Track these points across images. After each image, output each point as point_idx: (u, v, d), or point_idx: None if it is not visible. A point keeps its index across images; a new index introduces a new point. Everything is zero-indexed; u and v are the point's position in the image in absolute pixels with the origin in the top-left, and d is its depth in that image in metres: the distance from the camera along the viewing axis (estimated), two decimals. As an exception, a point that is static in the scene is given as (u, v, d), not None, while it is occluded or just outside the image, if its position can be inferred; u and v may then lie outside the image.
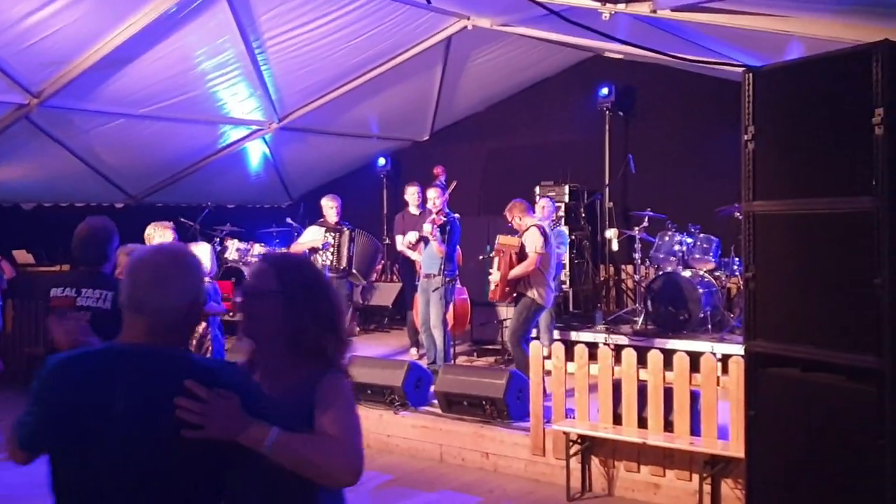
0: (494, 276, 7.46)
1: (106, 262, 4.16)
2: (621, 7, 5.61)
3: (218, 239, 11.23)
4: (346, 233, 8.77)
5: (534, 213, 7.77)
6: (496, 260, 7.47)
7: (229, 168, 11.69)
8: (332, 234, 8.71)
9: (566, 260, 10.01)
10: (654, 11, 5.51)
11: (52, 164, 9.77)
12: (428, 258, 8.17)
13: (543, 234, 7.38)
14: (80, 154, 9.74)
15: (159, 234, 6.09)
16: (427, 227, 8.09)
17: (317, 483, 2.14)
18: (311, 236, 8.87)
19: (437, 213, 8.00)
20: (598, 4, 5.66)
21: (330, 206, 8.91)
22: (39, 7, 6.58)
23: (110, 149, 9.90)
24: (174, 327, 2.10)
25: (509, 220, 7.62)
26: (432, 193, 8.12)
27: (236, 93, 9.36)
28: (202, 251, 6.13)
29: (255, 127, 10.62)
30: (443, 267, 7.90)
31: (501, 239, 7.53)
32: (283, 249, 10.83)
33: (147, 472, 1.99)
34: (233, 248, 10.91)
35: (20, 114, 8.21)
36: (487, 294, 7.71)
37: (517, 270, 7.28)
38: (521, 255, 7.36)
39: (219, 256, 11.05)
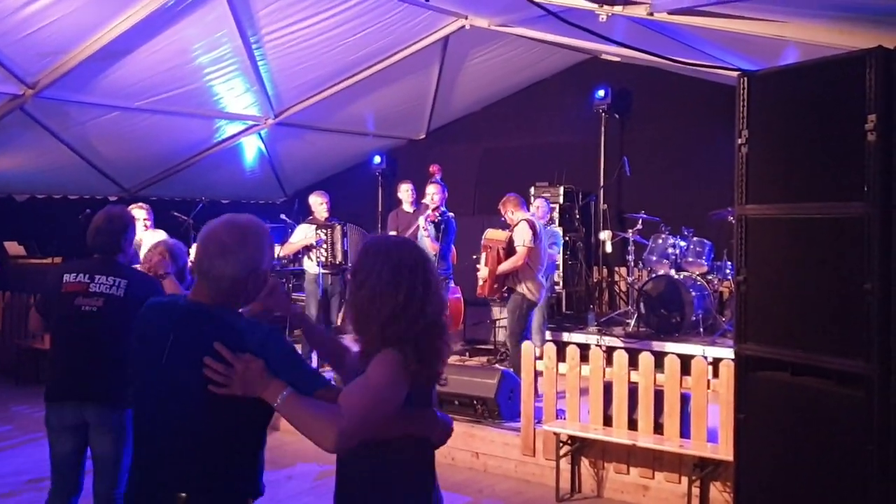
0: (483, 271, 7.48)
1: (120, 252, 4.15)
2: (618, 9, 5.63)
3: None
4: (338, 228, 8.77)
5: (527, 208, 7.78)
6: (484, 255, 7.48)
7: (224, 163, 11.68)
8: (324, 231, 8.70)
9: (560, 261, 10.03)
10: (651, 14, 5.53)
11: (47, 156, 9.75)
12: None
13: (532, 227, 7.38)
14: (75, 146, 9.72)
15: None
16: (421, 222, 8.11)
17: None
18: (303, 234, 8.86)
19: (433, 210, 8.01)
20: (595, 6, 5.68)
21: (319, 203, 8.89)
22: (36, -2, 6.57)
23: (105, 141, 9.88)
24: (232, 292, 2.35)
25: (503, 213, 7.64)
26: (431, 189, 8.12)
27: (233, 87, 9.35)
28: (158, 236, 6.10)
29: (251, 122, 10.61)
30: (436, 265, 7.89)
31: (489, 233, 7.56)
32: (277, 246, 10.85)
33: (184, 421, 2.25)
34: (226, 243, 10.90)
35: (15, 104, 8.18)
36: (477, 290, 7.69)
37: (506, 265, 7.30)
38: (510, 251, 7.38)
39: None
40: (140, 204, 6.31)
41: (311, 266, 8.92)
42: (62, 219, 10.72)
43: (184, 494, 2.23)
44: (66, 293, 4.00)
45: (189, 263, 4.11)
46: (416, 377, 2.32)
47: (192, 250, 2.87)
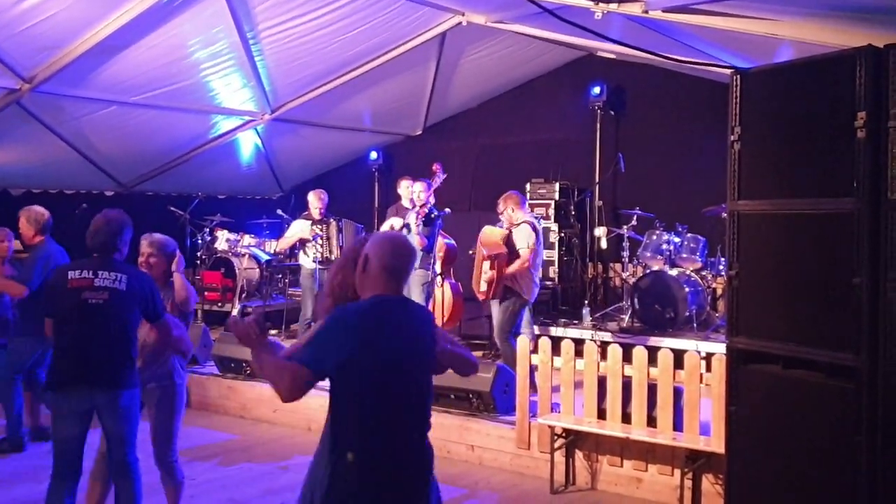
0: (487, 274, 7.45)
1: (116, 251, 4.52)
2: (613, 7, 5.67)
3: (208, 229, 11.25)
4: (333, 223, 8.88)
5: (526, 207, 7.81)
6: (486, 263, 7.44)
7: (221, 158, 11.69)
8: (320, 227, 8.81)
9: (555, 257, 10.09)
10: (646, 12, 5.57)
11: (43, 151, 9.75)
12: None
13: (535, 230, 7.45)
14: (71, 141, 9.72)
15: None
16: (412, 217, 8.17)
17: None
18: (298, 229, 8.95)
19: (420, 207, 8.07)
20: (590, 3, 5.71)
21: (316, 200, 9.06)
22: (33, -8, 6.58)
23: (101, 136, 9.88)
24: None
25: (501, 209, 7.67)
26: (418, 187, 8.19)
27: (229, 83, 9.36)
28: None
29: (247, 118, 10.62)
30: (431, 262, 7.96)
31: (487, 235, 7.53)
32: (274, 241, 10.89)
33: (427, 369, 3.12)
34: (222, 238, 10.95)
35: (11, 99, 8.19)
36: (474, 287, 7.69)
37: (513, 268, 7.33)
38: (511, 251, 7.40)
39: (208, 247, 11.10)
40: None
41: (307, 261, 9.01)
42: (58, 213, 10.63)
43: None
44: (72, 288, 4.35)
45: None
46: None
47: None
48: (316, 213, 9.04)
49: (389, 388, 2.91)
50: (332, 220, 8.95)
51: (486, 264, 7.46)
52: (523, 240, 7.36)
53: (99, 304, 4.32)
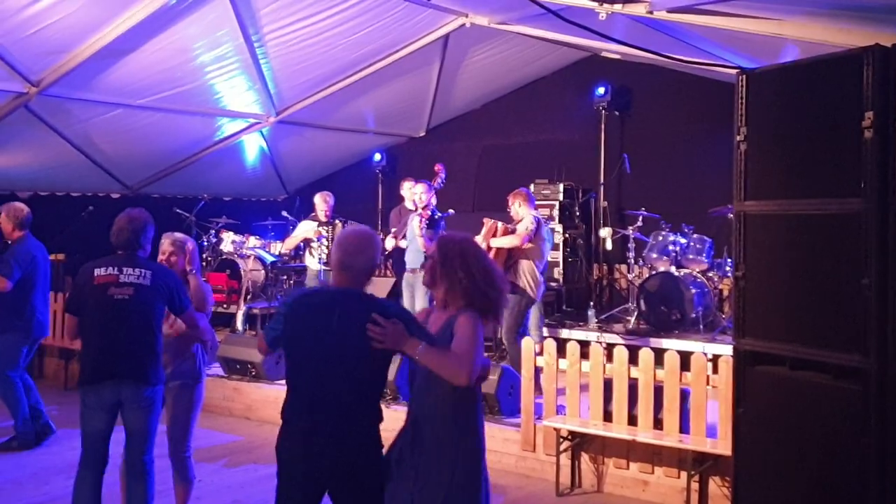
0: (477, 240, 7.53)
1: (140, 248, 4.68)
2: (618, 7, 5.66)
3: (213, 231, 11.27)
4: (339, 225, 8.90)
5: (533, 205, 7.81)
6: (483, 230, 7.54)
7: (226, 160, 11.72)
8: (325, 228, 8.84)
9: (560, 258, 10.08)
10: (651, 12, 5.56)
11: (50, 153, 9.79)
12: (412, 253, 8.22)
13: (538, 223, 7.45)
14: (78, 144, 9.76)
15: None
16: (416, 221, 8.18)
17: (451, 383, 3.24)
18: (304, 230, 9.00)
19: (423, 209, 8.06)
20: (594, 4, 5.71)
21: (322, 202, 9.09)
22: (40, -3, 6.61)
23: (108, 139, 9.92)
24: (362, 280, 3.45)
25: (510, 204, 7.68)
26: (419, 188, 8.18)
27: (234, 86, 9.39)
28: None
29: (252, 120, 10.64)
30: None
31: (488, 221, 7.65)
32: (279, 243, 10.89)
33: (350, 368, 3.27)
34: (228, 240, 10.96)
35: (19, 102, 8.22)
36: None
37: (503, 241, 7.36)
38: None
39: (213, 248, 11.12)
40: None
41: (312, 262, 9.03)
42: (65, 216, 10.73)
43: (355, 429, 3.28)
44: (98, 285, 4.50)
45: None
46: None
47: None
48: (322, 215, 9.08)
49: (302, 372, 3.36)
50: (337, 221, 8.99)
51: (485, 228, 7.56)
52: (522, 226, 7.39)
53: (124, 300, 4.46)
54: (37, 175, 10.44)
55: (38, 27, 7.02)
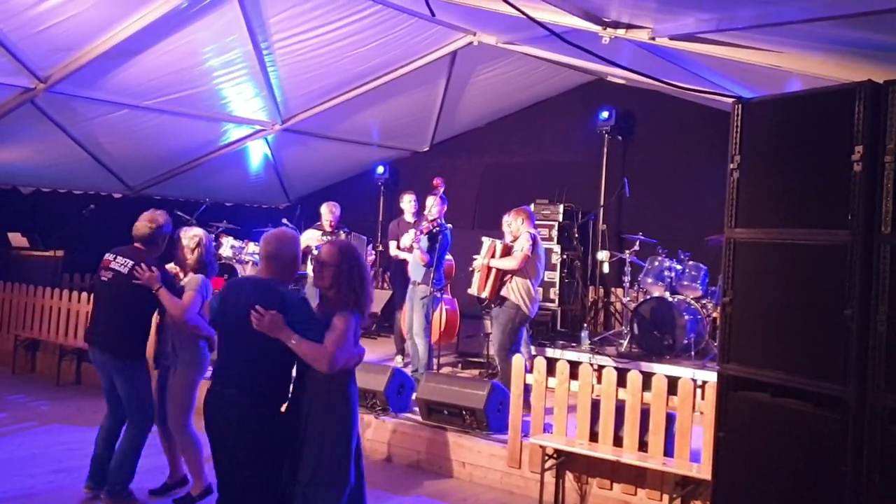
0: (478, 262, 7.58)
1: (152, 243, 5.42)
2: (621, 32, 5.73)
3: (213, 235, 11.31)
4: (342, 235, 8.98)
5: (534, 226, 7.87)
6: (483, 250, 7.60)
7: (229, 166, 11.78)
8: (328, 237, 8.90)
9: (556, 279, 10.11)
10: (653, 39, 5.63)
11: (54, 150, 9.85)
12: (414, 266, 8.28)
13: (534, 240, 7.50)
14: (82, 142, 9.82)
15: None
16: (411, 234, 8.24)
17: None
18: (308, 238, 9.05)
19: (429, 221, 8.10)
20: (598, 28, 5.78)
21: (328, 212, 9.18)
22: (54, -7, 6.69)
23: (112, 139, 9.98)
24: (279, 271, 4.15)
25: (509, 220, 7.76)
26: (430, 201, 8.23)
27: (241, 92, 9.46)
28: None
29: (258, 127, 10.71)
30: (432, 276, 8.00)
31: (486, 239, 7.70)
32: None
33: (250, 336, 3.90)
34: (227, 245, 10.99)
35: (26, 97, 8.29)
36: (475, 288, 7.73)
37: (502, 262, 7.40)
38: (507, 254, 7.51)
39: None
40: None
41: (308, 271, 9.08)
42: (66, 213, 10.81)
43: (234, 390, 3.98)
44: (100, 266, 5.40)
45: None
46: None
47: None
48: (327, 225, 9.15)
49: (220, 343, 4.18)
50: (341, 231, 9.06)
51: (484, 247, 7.62)
52: (519, 245, 7.45)
53: (106, 282, 5.32)
54: (40, 171, 10.51)
55: (49, 24, 7.09)
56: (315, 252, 8.90)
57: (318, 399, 4.01)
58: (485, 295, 7.58)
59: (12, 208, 10.90)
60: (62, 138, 9.50)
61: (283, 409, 4.10)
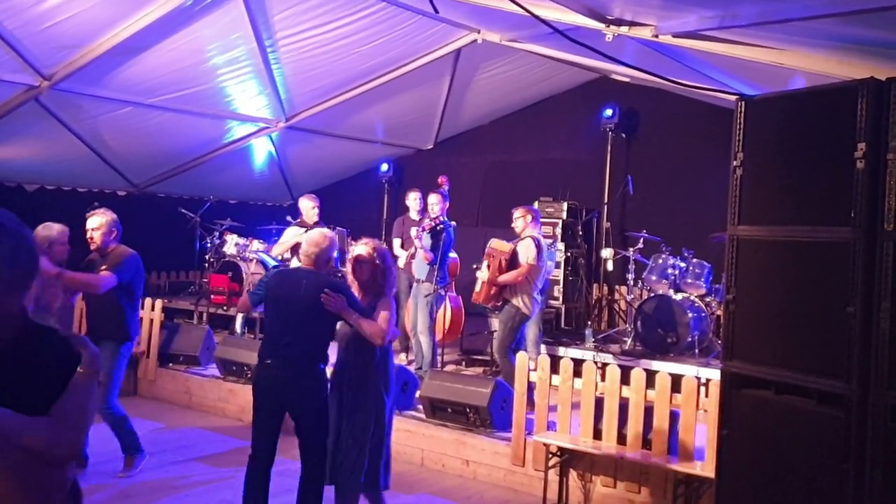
0: (483, 274, 7.57)
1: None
2: (624, 30, 5.73)
3: (217, 233, 11.33)
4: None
5: (538, 225, 7.85)
6: (486, 262, 7.58)
7: (234, 163, 11.80)
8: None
9: (560, 277, 10.11)
10: (656, 36, 5.63)
11: (58, 148, 9.87)
12: (418, 264, 8.28)
13: (538, 246, 7.49)
14: (87, 139, 9.84)
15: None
16: (412, 232, 8.24)
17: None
18: (292, 235, 9.02)
19: (431, 219, 8.10)
20: (602, 26, 5.78)
21: (311, 207, 9.11)
22: (58, -9, 6.70)
23: (116, 136, 10.00)
24: (320, 265, 4.90)
25: (514, 217, 7.73)
26: (433, 199, 8.23)
27: (245, 89, 9.47)
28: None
29: (262, 124, 10.72)
30: (436, 274, 8.00)
31: (494, 243, 7.65)
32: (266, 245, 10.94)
33: (306, 320, 4.75)
34: (231, 242, 11.01)
35: (30, 95, 8.31)
36: (474, 292, 7.75)
37: (506, 277, 7.40)
38: (512, 263, 7.47)
39: (216, 250, 11.18)
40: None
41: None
42: (70, 210, 10.78)
43: (296, 363, 4.76)
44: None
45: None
46: None
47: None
48: (313, 217, 9.07)
49: (273, 324, 4.89)
50: (324, 227, 9.03)
51: (485, 263, 7.55)
52: (524, 254, 7.42)
53: None
54: (44, 168, 10.53)
55: (53, 21, 7.10)
56: (304, 246, 8.92)
57: (357, 373, 4.86)
58: (486, 303, 7.65)
59: (17, 206, 10.76)
60: (66, 136, 9.52)
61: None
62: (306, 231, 8.95)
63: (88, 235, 6.13)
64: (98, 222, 6.15)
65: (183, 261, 12.24)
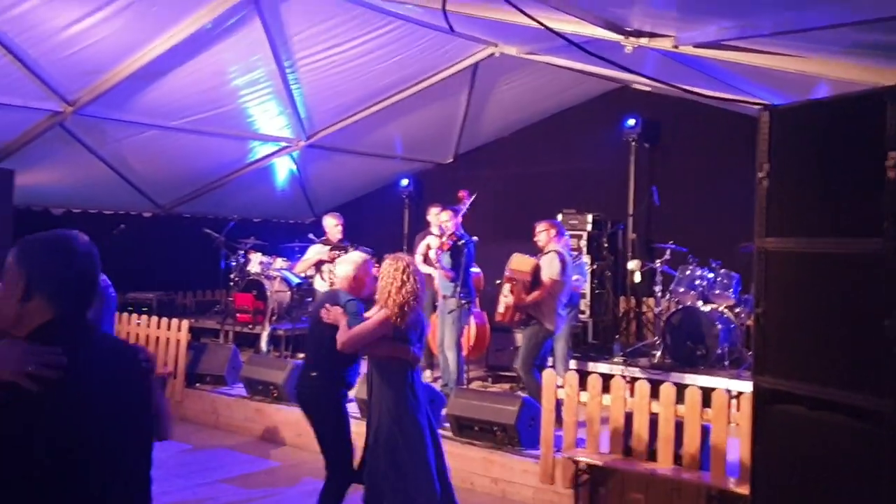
0: (508, 298, 7.46)
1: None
2: (644, 41, 5.67)
3: (241, 252, 11.36)
4: (351, 250, 8.93)
5: (561, 239, 7.75)
6: (507, 286, 7.47)
7: (256, 183, 11.86)
8: (337, 252, 8.87)
9: (587, 290, 10.00)
10: (676, 47, 5.56)
11: (84, 172, 9.97)
12: (442, 280, 8.24)
13: (562, 261, 7.41)
14: (111, 162, 9.93)
15: None
16: (433, 255, 8.20)
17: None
18: (315, 252, 9.03)
19: (447, 237, 8.04)
20: (620, 38, 5.72)
21: (334, 224, 9.15)
22: (79, 18, 6.77)
23: (141, 159, 10.09)
24: (350, 287, 5.12)
25: (537, 231, 7.66)
26: (445, 216, 8.18)
27: (266, 109, 9.52)
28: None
29: (283, 143, 10.78)
30: (458, 289, 7.94)
31: (515, 262, 7.51)
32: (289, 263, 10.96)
33: (320, 330, 5.10)
34: (255, 261, 11.05)
35: (55, 121, 8.40)
36: (497, 312, 7.66)
37: (531, 297, 7.30)
38: (535, 279, 7.37)
39: (241, 269, 11.22)
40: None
41: (321, 285, 9.10)
42: (96, 233, 10.79)
43: (314, 374, 5.14)
44: None
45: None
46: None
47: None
48: (336, 234, 9.10)
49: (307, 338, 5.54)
50: (349, 247, 9.01)
51: (507, 287, 7.45)
52: (548, 270, 7.34)
53: None
54: (71, 192, 10.63)
55: (76, 48, 7.18)
56: (328, 266, 8.94)
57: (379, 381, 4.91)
58: (510, 323, 7.59)
59: (45, 230, 10.99)
60: (91, 159, 9.61)
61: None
62: (330, 249, 9.01)
63: None
64: None
65: (208, 280, 12.29)
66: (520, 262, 7.51)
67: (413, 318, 4.85)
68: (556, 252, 7.45)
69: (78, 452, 1.94)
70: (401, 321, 4.78)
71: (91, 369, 2.02)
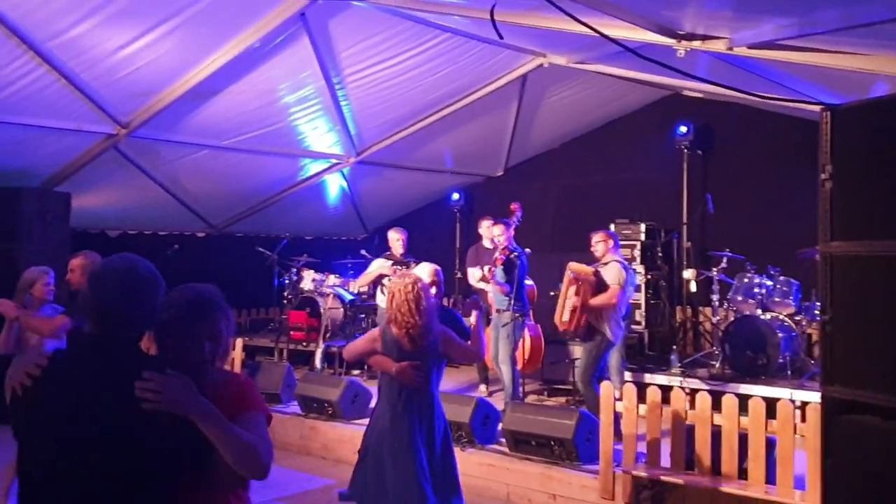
0: (571, 300, 7.30)
1: None
2: (697, 44, 5.55)
3: (294, 269, 11.44)
4: (413, 266, 8.91)
5: (619, 249, 7.66)
6: (573, 287, 7.33)
7: (308, 200, 11.93)
8: (400, 267, 8.85)
9: (641, 300, 9.85)
10: (731, 49, 5.43)
11: (138, 193, 10.13)
12: (496, 294, 8.16)
13: (626, 269, 7.33)
14: (165, 183, 10.07)
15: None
16: (477, 273, 8.14)
17: None
18: (378, 266, 9.03)
19: (500, 251, 7.97)
20: (672, 42, 5.61)
21: (396, 239, 9.12)
22: (130, 41, 6.87)
23: (194, 179, 10.21)
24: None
25: (594, 242, 7.57)
26: (497, 230, 8.12)
27: (317, 126, 9.58)
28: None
29: (333, 160, 10.83)
30: (512, 303, 7.86)
31: (574, 266, 7.42)
32: (352, 281, 10.97)
33: None
34: (308, 278, 11.11)
35: (109, 143, 8.54)
36: (556, 318, 7.49)
37: (598, 300, 7.19)
38: (598, 287, 7.26)
39: (294, 286, 11.28)
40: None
41: (384, 301, 9.04)
42: (152, 254, 10.98)
43: None
44: None
45: None
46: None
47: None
48: (399, 248, 9.09)
49: None
50: (412, 262, 9.00)
51: (572, 289, 7.31)
52: (613, 276, 7.24)
53: None
54: (126, 214, 10.81)
55: (128, 71, 7.29)
56: (389, 280, 8.88)
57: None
58: (574, 330, 7.40)
59: (101, 252, 11.13)
60: (145, 181, 9.76)
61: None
62: (392, 264, 9.02)
63: (67, 276, 5.86)
64: (73, 264, 5.83)
65: (262, 298, 12.40)
66: (580, 267, 7.42)
67: (430, 342, 4.57)
68: (617, 261, 7.37)
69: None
70: (409, 343, 4.54)
71: None
